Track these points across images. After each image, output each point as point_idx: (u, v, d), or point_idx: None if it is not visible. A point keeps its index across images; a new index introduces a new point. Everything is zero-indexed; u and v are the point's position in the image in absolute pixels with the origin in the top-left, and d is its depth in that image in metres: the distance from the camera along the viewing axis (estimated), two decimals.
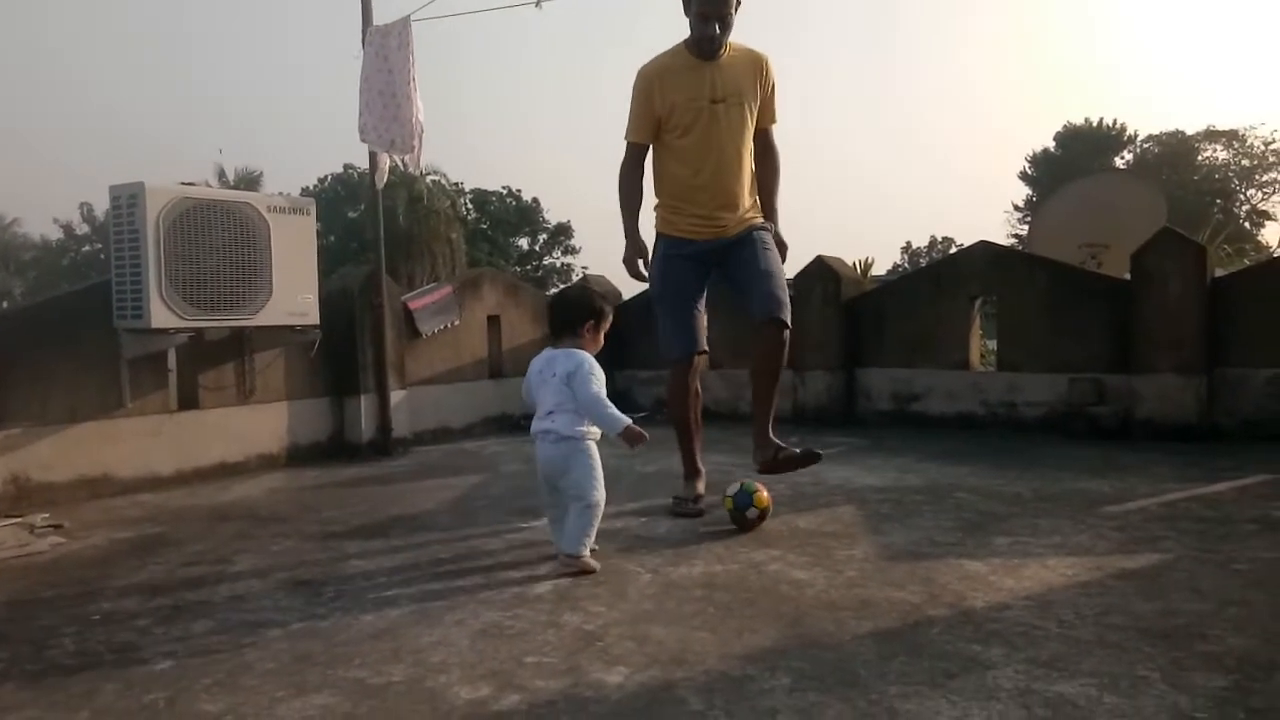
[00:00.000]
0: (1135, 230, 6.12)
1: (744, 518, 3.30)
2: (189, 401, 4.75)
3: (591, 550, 2.89)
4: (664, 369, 7.67)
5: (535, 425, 2.98)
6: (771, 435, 3.62)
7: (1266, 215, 40.48)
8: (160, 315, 4.23)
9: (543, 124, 76.63)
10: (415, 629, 2.35)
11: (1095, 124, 39.35)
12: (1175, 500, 3.56)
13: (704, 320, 3.81)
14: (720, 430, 6.09)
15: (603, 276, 8.01)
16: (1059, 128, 39.54)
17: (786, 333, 3.56)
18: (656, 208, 3.79)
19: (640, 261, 3.73)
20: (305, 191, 37.61)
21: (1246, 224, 38.56)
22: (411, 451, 5.46)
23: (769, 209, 3.79)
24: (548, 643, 2.22)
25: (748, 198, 3.69)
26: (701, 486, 3.80)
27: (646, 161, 3.73)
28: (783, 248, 3.78)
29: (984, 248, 6.15)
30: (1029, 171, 40.60)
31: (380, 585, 2.75)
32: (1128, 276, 5.40)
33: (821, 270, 6.38)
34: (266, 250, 4.64)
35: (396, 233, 28.32)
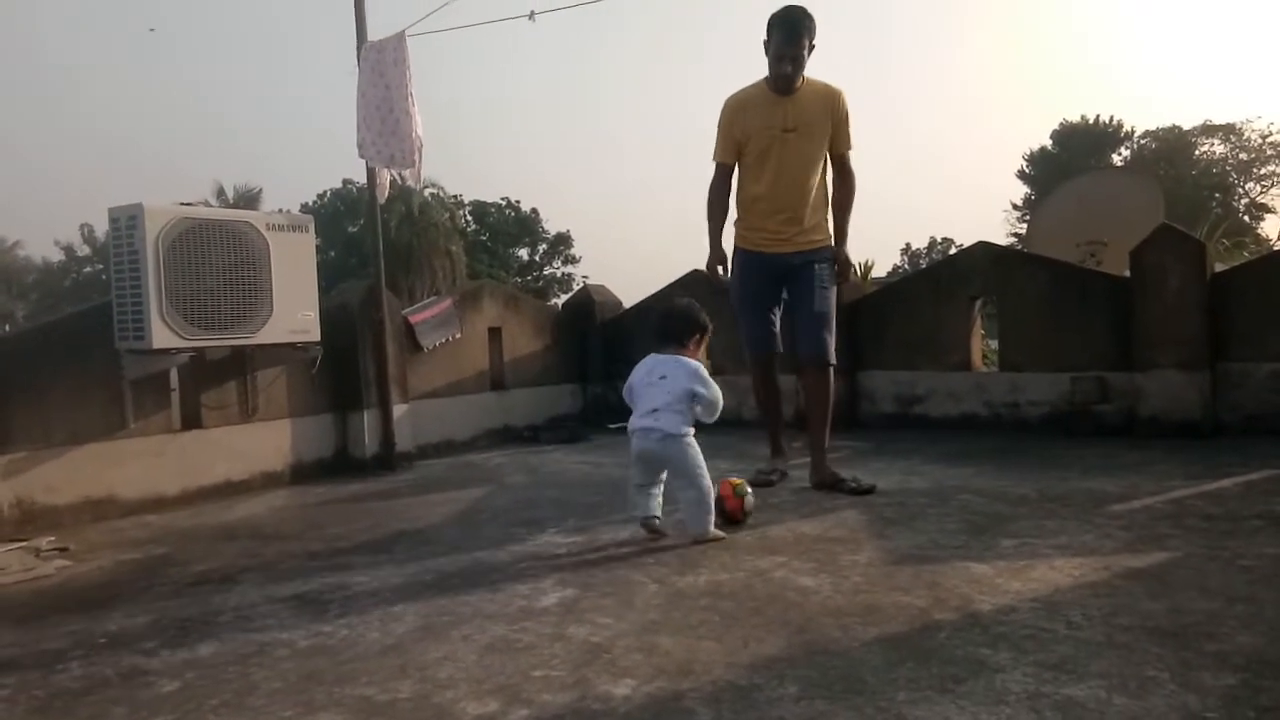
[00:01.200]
0: (1134, 227, 6.12)
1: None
2: (192, 421, 4.75)
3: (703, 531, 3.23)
4: None
5: (636, 422, 3.33)
6: (827, 462, 4.13)
7: (1265, 208, 40.46)
8: (161, 335, 4.23)
9: (540, 134, 76.84)
10: (422, 645, 2.35)
11: (1092, 121, 39.40)
12: (1181, 498, 3.56)
13: (777, 324, 4.30)
14: (724, 435, 6.10)
15: (602, 286, 8.02)
16: (1056, 126, 39.58)
17: (830, 370, 4.15)
18: (736, 223, 4.31)
19: (720, 268, 4.29)
20: (305, 207, 37.76)
21: (1245, 217, 38.51)
22: (415, 466, 5.46)
23: (839, 229, 4.25)
24: (555, 656, 2.21)
25: (812, 216, 4.16)
26: (783, 464, 4.38)
27: (732, 179, 4.25)
28: (846, 267, 4.26)
29: (983, 248, 6.15)
30: (1027, 170, 40.67)
31: (386, 601, 2.75)
32: (1127, 274, 5.39)
33: None
34: (266, 268, 4.64)
35: (396, 247, 28.42)
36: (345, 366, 5.33)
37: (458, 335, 6.15)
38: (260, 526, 4.00)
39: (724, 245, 4.31)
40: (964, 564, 2.82)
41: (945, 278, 6.24)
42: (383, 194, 5.52)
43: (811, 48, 4.00)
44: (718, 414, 3.35)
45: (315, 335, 4.92)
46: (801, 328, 4.17)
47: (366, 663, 2.24)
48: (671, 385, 3.30)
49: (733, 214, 4.34)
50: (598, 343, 7.45)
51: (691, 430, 3.31)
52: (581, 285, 9.39)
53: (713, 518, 3.26)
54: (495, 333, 6.55)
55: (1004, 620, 2.30)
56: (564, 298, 14.43)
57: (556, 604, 2.62)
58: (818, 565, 2.90)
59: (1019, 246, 8.75)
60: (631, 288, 7.58)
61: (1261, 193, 40.67)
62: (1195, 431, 4.99)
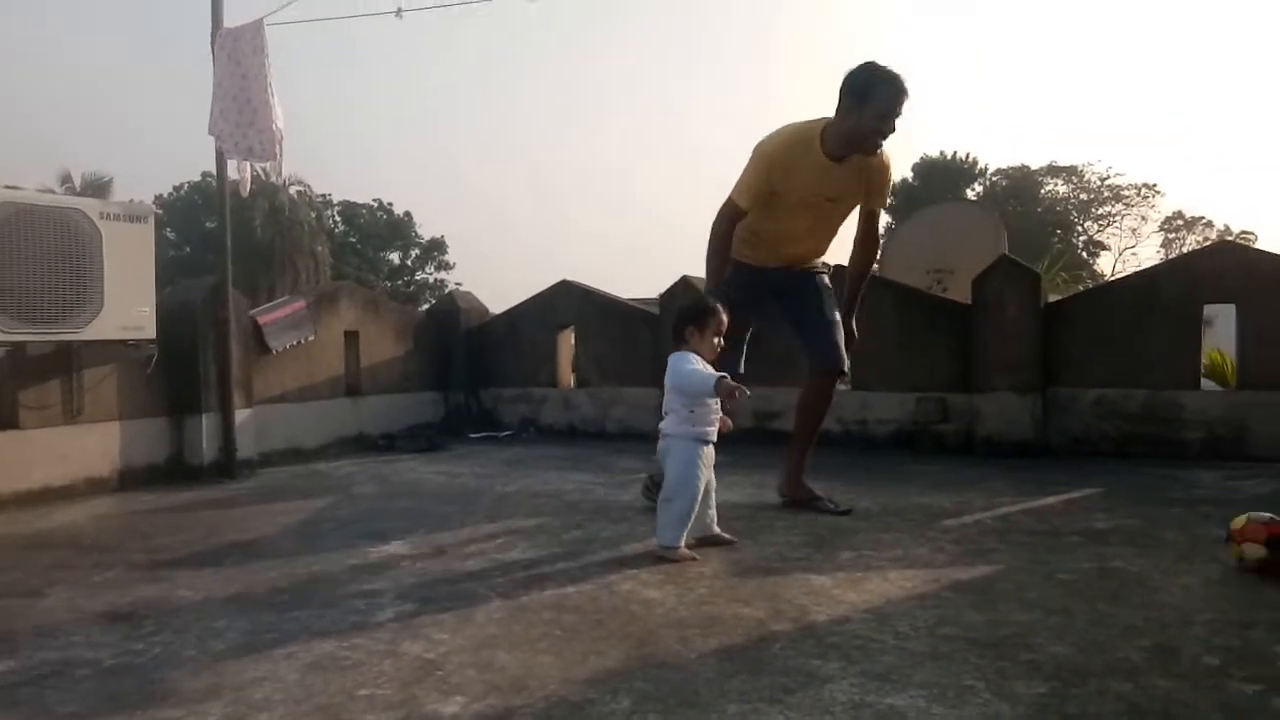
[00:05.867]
0: (978, 257, 6.46)
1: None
2: (8, 421, 4.38)
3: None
4: (526, 387, 7.60)
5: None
6: (805, 479, 4.02)
7: (1101, 245, 43.72)
8: None
9: (417, 136, 75.25)
10: (240, 663, 2.21)
11: (950, 157, 41.56)
12: (1009, 514, 3.74)
13: (744, 350, 4.08)
14: (584, 448, 6.08)
15: (469, 293, 7.91)
16: (917, 160, 41.57)
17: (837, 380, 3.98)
18: (739, 244, 3.89)
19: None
20: (160, 199, 35.72)
21: (1084, 253, 41.49)
22: (258, 474, 5.20)
23: (853, 296, 4.07)
24: (383, 674, 2.12)
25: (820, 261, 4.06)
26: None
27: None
28: (851, 339, 4.04)
29: (839, 271, 6.35)
30: (890, 200, 42.52)
31: (208, 617, 2.58)
32: (970, 301, 5.68)
33: (686, 291, 6.45)
34: (98, 260, 4.34)
35: (257, 244, 27.24)
36: (184, 367, 5.04)
37: (311, 338, 5.91)
38: (79, 535, 3.71)
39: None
40: (805, 576, 2.88)
41: None
42: (245, 188, 5.26)
43: None
44: (700, 388, 3.12)
45: (150, 333, 4.63)
46: (816, 333, 3.92)
47: (177, 683, 2.09)
48: (667, 384, 3.24)
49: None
50: (462, 350, 7.32)
51: (696, 433, 3.19)
52: (448, 292, 9.17)
53: (680, 533, 3.12)
54: (353, 337, 6.33)
55: (837, 631, 2.35)
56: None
57: (393, 619, 2.53)
58: (665, 577, 2.90)
59: (876, 271, 9.13)
60: (516, 297, 7.45)
61: (1098, 231, 43.93)
62: (1027, 451, 5.28)
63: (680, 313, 3.35)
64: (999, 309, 5.41)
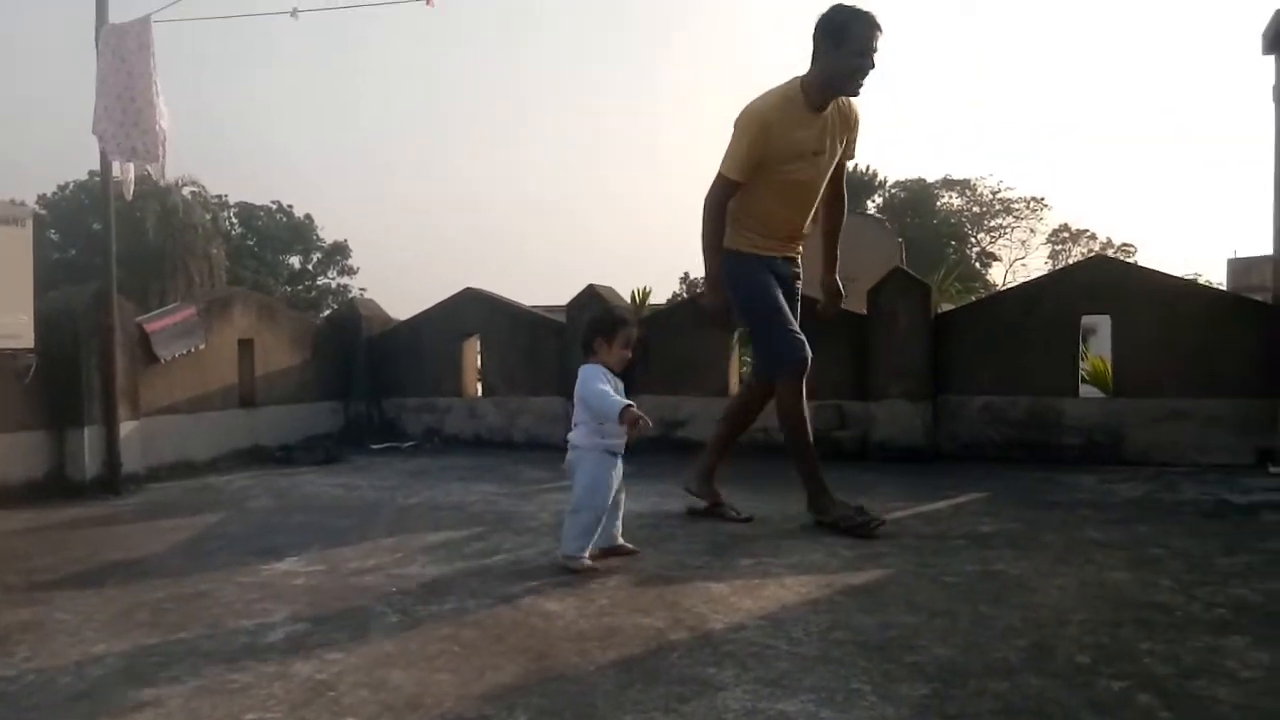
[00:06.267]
0: (875, 268, 6.66)
1: None
2: None
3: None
4: (430, 396, 7.50)
5: None
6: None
7: (993, 256, 45.59)
8: None
9: (320, 137, 73.37)
10: (121, 688, 2.13)
11: (851, 169, 42.74)
12: (900, 518, 3.87)
13: None
14: (489, 459, 6.03)
15: (371, 300, 7.77)
16: None
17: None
18: (739, 231, 3.85)
19: (725, 310, 3.88)
20: (44, 199, 33.91)
21: (977, 264, 43.17)
22: (145, 489, 4.99)
23: (831, 256, 4.14)
24: (272, 696, 2.07)
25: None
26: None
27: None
28: (839, 296, 4.15)
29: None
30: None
31: (88, 640, 2.48)
32: (866, 311, 5.86)
33: (591, 300, 6.47)
34: None
35: (147, 248, 26.14)
36: (66, 377, 4.80)
37: (201, 346, 5.71)
38: None
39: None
40: (704, 584, 2.93)
41: None
42: (128, 190, 5.07)
43: None
44: (608, 413, 3.10)
45: (28, 341, 4.42)
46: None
47: (54, 711, 2.01)
48: (576, 396, 3.24)
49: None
50: (363, 359, 7.17)
51: (602, 444, 3.19)
52: (348, 299, 8.97)
53: (584, 544, 3.14)
54: (247, 345, 6.14)
55: (733, 638, 2.40)
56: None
57: (284, 639, 2.47)
58: (567, 589, 2.90)
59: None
60: (424, 304, 7.34)
61: (991, 242, 45.82)
62: (919, 456, 5.47)
63: (589, 324, 3.37)
64: (892, 319, 5.59)
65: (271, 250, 42.02)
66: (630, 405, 3.10)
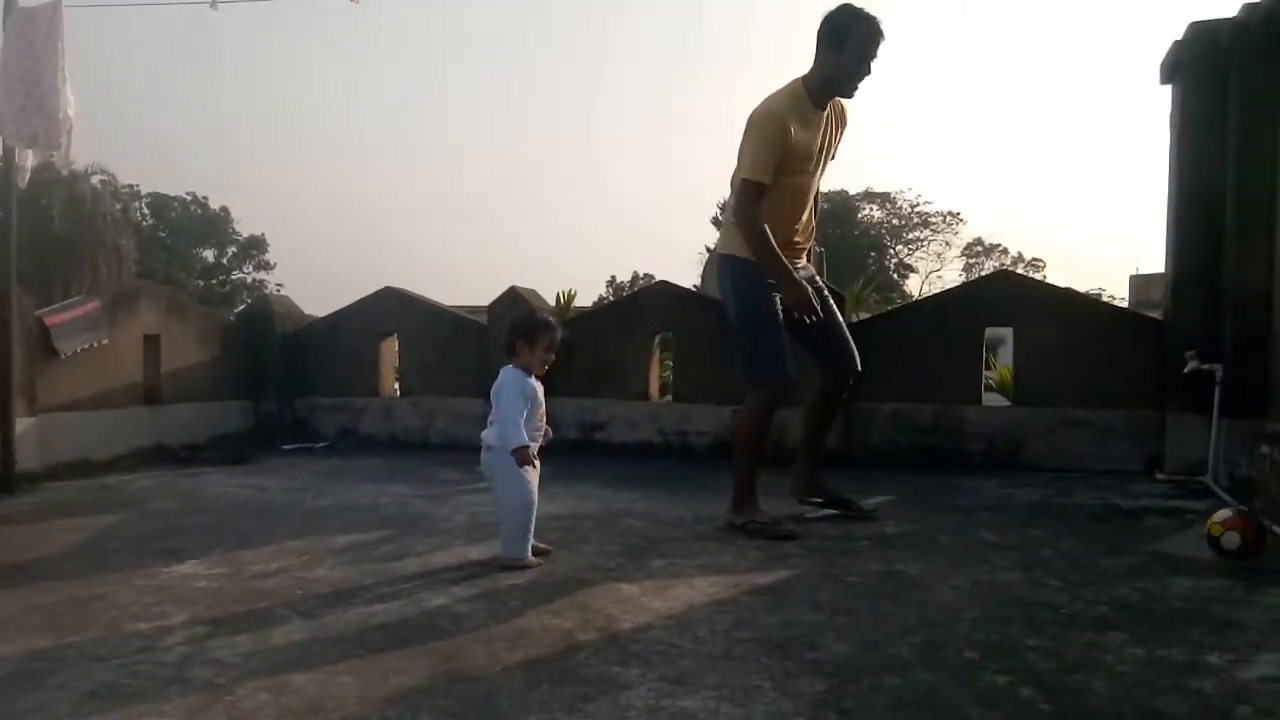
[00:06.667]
0: None
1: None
2: None
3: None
4: (345, 396, 7.38)
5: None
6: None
7: (910, 268, 46.89)
8: None
9: (235, 130, 71.32)
10: (8, 694, 2.05)
11: None
12: (809, 520, 3.97)
13: None
14: (405, 460, 5.96)
15: (286, 296, 7.60)
16: None
17: None
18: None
19: (810, 299, 3.80)
20: None
21: (895, 275, 44.33)
22: (41, 488, 4.79)
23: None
24: (168, 701, 2.02)
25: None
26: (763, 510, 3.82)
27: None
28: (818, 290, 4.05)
29: (663, 287, 6.55)
30: (720, 218, 43.89)
31: None
32: None
33: (513, 301, 6.46)
34: None
35: (52, 238, 25.05)
36: None
37: (105, 341, 5.51)
38: None
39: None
40: (615, 585, 2.96)
41: (629, 313, 6.56)
42: (23, 178, 4.86)
43: None
44: (506, 440, 3.14)
45: None
46: (837, 342, 4.01)
47: None
48: (493, 398, 3.26)
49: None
50: (276, 357, 7.01)
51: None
52: (260, 295, 8.76)
53: (526, 544, 3.19)
54: (153, 340, 5.95)
55: (640, 638, 2.43)
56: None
57: (181, 643, 2.41)
58: (478, 591, 2.90)
59: (697, 288, 9.43)
60: (345, 301, 7.21)
61: (909, 254, 47.10)
62: (831, 461, 5.58)
63: (511, 326, 3.36)
64: None
65: (184, 243, 40.75)
66: (527, 447, 3.16)
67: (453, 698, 2.04)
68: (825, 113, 3.79)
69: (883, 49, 3.68)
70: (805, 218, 3.95)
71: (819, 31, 3.68)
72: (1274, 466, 3.74)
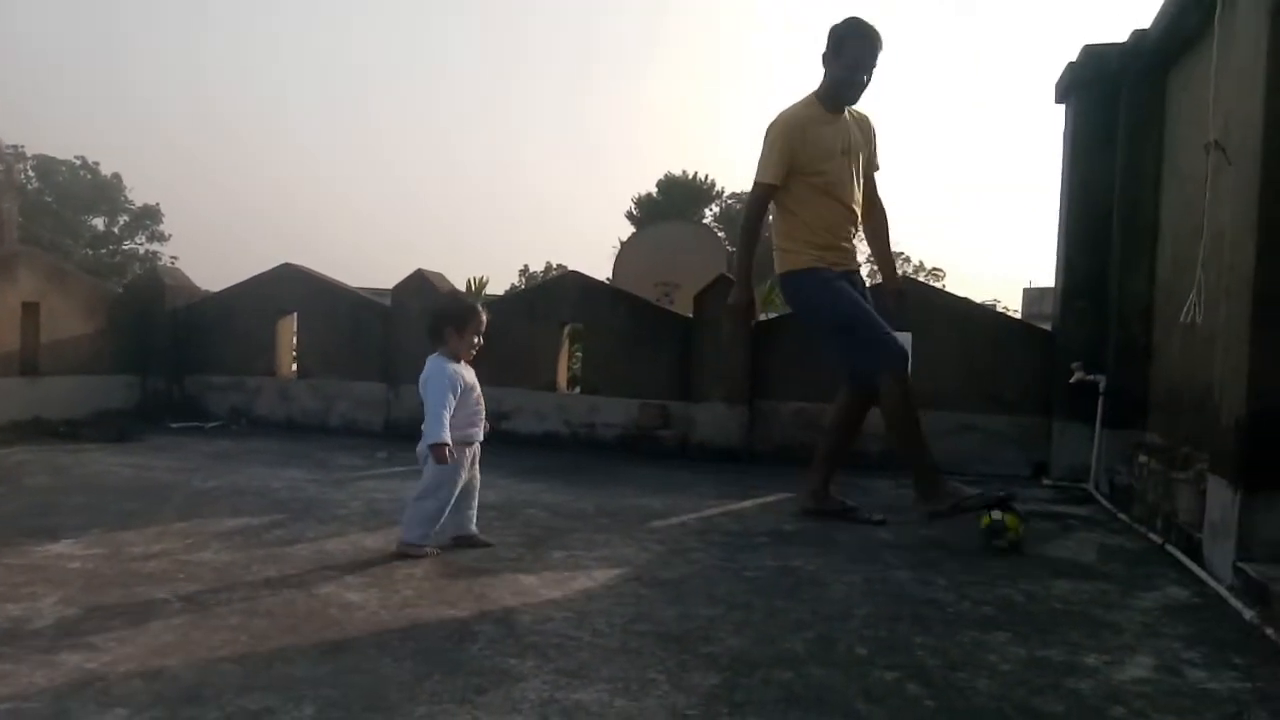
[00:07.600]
0: (703, 275, 6.84)
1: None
2: None
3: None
4: (239, 375, 7.13)
5: None
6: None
7: None
8: None
9: (133, 87, 67.98)
10: None
11: (690, 176, 43.68)
12: (711, 515, 4.01)
13: None
14: (301, 443, 5.78)
15: (179, 270, 7.28)
16: (661, 176, 43.27)
17: None
18: (801, 247, 3.98)
19: (751, 307, 4.10)
20: None
21: None
22: None
23: (888, 259, 4.44)
24: (34, 685, 1.91)
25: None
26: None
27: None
28: (904, 296, 4.39)
29: (574, 278, 6.51)
30: (635, 213, 43.95)
31: None
32: (692, 315, 6.01)
33: (420, 285, 6.33)
34: None
35: None
36: None
37: None
38: None
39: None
40: (514, 576, 2.92)
41: (539, 301, 6.50)
42: None
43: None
44: (427, 431, 3.08)
45: None
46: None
47: None
48: (420, 386, 3.19)
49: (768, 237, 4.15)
50: (166, 332, 6.72)
51: (461, 433, 3.19)
52: (150, 267, 8.40)
53: (426, 532, 3.12)
54: (32, 308, 5.62)
55: (537, 630, 2.41)
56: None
57: (52, 625, 2.28)
58: (371, 580, 2.83)
59: (609, 280, 9.43)
60: (242, 275, 6.93)
61: None
62: (735, 457, 5.67)
63: (439, 312, 3.30)
64: (715, 325, 5.76)
65: (72, 210, 38.67)
66: (445, 444, 3.07)
67: (339, 688, 1.98)
68: (843, 118, 4.01)
69: (881, 58, 3.95)
70: (841, 219, 4.03)
71: (826, 40, 3.97)
72: (1150, 475, 3.94)
